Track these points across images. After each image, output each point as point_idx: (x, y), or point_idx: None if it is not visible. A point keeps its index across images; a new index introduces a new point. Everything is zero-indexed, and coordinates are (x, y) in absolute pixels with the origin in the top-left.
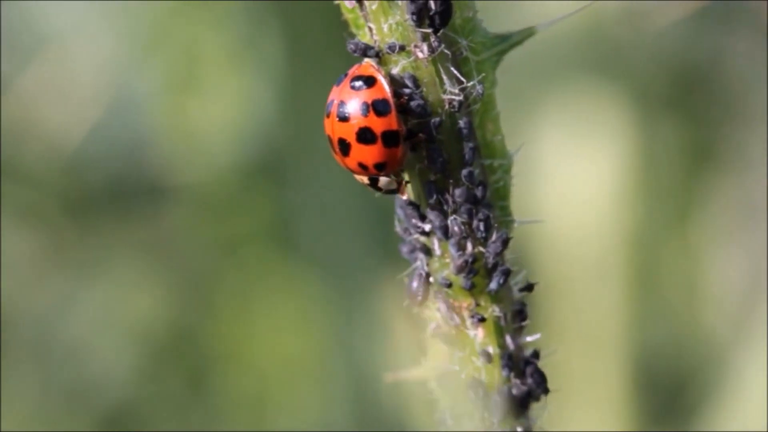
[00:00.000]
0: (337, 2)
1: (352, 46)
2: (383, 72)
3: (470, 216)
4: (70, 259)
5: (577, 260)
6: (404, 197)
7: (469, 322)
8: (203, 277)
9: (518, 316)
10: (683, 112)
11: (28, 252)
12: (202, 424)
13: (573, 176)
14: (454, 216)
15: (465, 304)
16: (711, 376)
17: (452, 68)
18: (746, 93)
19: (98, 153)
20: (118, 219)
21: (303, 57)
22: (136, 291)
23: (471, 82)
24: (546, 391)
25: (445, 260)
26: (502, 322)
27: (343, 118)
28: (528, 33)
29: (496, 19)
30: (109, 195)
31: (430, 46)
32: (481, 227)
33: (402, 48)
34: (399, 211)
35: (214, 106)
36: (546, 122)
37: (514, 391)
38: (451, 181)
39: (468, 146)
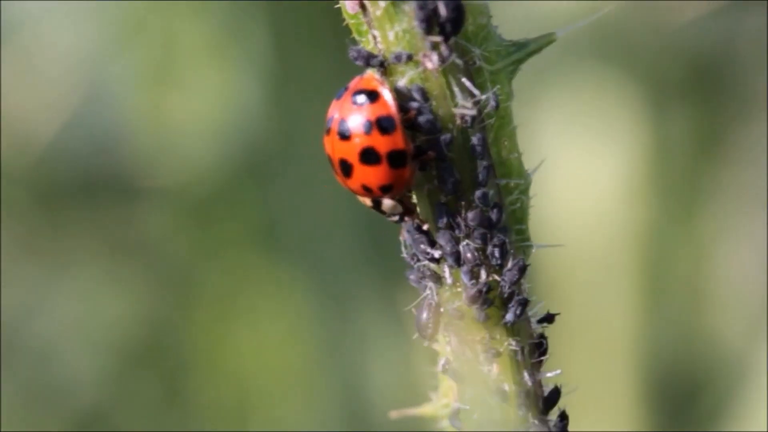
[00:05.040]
0: (337, 6)
1: (354, 54)
2: (388, 85)
3: (484, 241)
4: (41, 256)
5: (585, 258)
6: (413, 222)
7: (482, 357)
8: (183, 281)
9: (536, 350)
10: (694, 103)
11: None
12: (177, 430)
13: (580, 169)
14: (467, 241)
15: (478, 338)
16: (725, 380)
17: (464, 80)
18: (758, 84)
19: (72, 147)
20: (93, 217)
21: (291, 49)
22: (111, 292)
23: (485, 95)
24: None
25: (457, 289)
26: (519, 357)
27: (345, 137)
28: (547, 40)
29: (501, 19)
30: (84, 192)
31: (440, 55)
32: (496, 253)
33: (409, 57)
34: (406, 236)
35: (195, 101)
36: (553, 113)
37: None
38: (463, 203)
39: (482, 165)
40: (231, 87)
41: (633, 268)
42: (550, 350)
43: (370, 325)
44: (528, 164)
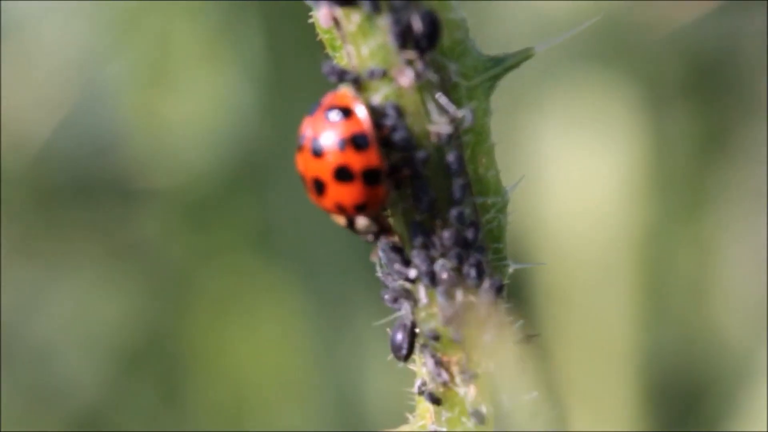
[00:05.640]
0: (311, 20)
1: (327, 70)
2: (362, 101)
3: (460, 261)
4: (37, 257)
5: (585, 259)
6: (387, 241)
7: (458, 378)
8: (178, 284)
9: (514, 371)
10: (695, 103)
11: None
12: None
13: (581, 169)
14: (442, 261)
15: (454, 359)
16: (729, 381)
17: (440, 96)
18: (760, 84)
19: (67, 149)
20: (89, 218)
21: (285, 52)
22: (107, 293)
23: (461, 111)
24: None
25: (433, 310)
26: (497, 379)
27: (318, 154)
28: (525, 55)
29: (503, 22)
30: (80, 193)
31: (415, 71)
32: (473, 273)
33: (384, 74)
34: (381, 255)
35: (191, 103)
36: (551, 114)
37: None
38: (438, 221)
39: (458, 183)
40: (226, 89)
41: (634, 269)
42: (550, 353)
43: (366, 329)
44: (526, 167)
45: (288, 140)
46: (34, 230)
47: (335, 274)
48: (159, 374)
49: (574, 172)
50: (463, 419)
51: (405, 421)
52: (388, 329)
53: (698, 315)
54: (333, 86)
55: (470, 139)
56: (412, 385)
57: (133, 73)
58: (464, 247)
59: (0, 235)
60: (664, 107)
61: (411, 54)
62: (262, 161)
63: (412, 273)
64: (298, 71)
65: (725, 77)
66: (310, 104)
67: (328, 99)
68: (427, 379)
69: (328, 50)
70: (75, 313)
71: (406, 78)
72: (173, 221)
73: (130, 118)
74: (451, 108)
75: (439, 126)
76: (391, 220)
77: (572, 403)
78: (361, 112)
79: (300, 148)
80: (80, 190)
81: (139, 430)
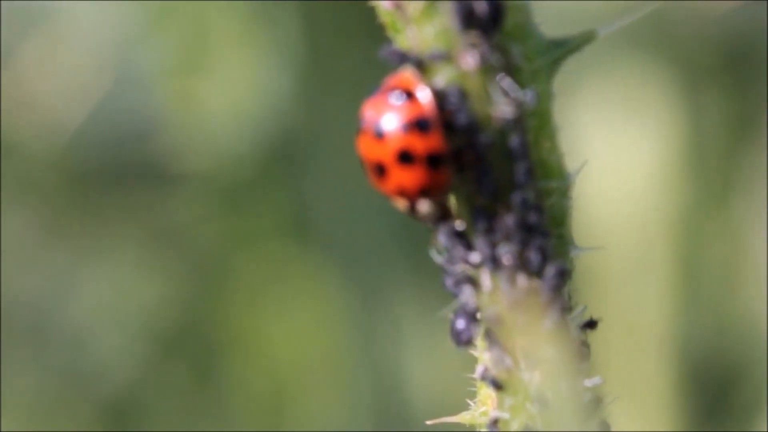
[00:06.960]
0: (373, 3)
1: (388, 53)
2: (426, 84)
3: (523, 245)
4: (71, 241)
5: (619, 246)
6: (449, 226)
7: (523, 364)
8: (214, 269)
9: (577, 357)
10: (729, 89)
11: (27, 232)
12: (209, 418)
13: (614, 155)
14: (505, 246)
15: (519, 345)
16: (763, 369)
17: (504, 79)
18: None
19: (102, 133)
20: (124, 202)
21: (322, 36)
22: (142, 277)
23: (524, 94)
24: None
25: (496, 295)
26: (559, 364)
27: (380, 137)
28: (588, 37)
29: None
30: (114, 177)
31: (479, 54)
32: (536, 258)
33: (447, 56)
34: (443, 240)
35: (226, 88)
36: (587, 98)
37: None
38: (501, 206)
39: (521, 167)
40: (262, 73)
41: (669, 253)
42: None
43: (403, 314)
44: (567, 159)
45: (325, 124)
46: (68, 214)
47: (372, 259)
48: (194, 359)
49: (609, 157)
50: (527, 405)
51: (464, 407)
52: (449, 315)
53: (732, 299)
54: (366, 71)
55: (533, 123)
56: (451, 371)
57: (168, 56)
58: (527, 232)
59: (34, 219)
60: (699, 92)
61: (474, 36)
62: (298, 146)
63: (475, 258)
64: (336, 55)
65: (759, 63)
66: (349, 88)
67: (391, 81)
68: (489, 364)
69: (390, 32)
70: (110, 297)
71: (470, 61)
72: (209, 206)
73: (166, 102)
74: (514, 91)
75: (503, 109)
76: (453, 205)
77: (607, 389)
78: (424, 94)
79: (361, 130)
80: (115, 174)
81: (174, 414)
